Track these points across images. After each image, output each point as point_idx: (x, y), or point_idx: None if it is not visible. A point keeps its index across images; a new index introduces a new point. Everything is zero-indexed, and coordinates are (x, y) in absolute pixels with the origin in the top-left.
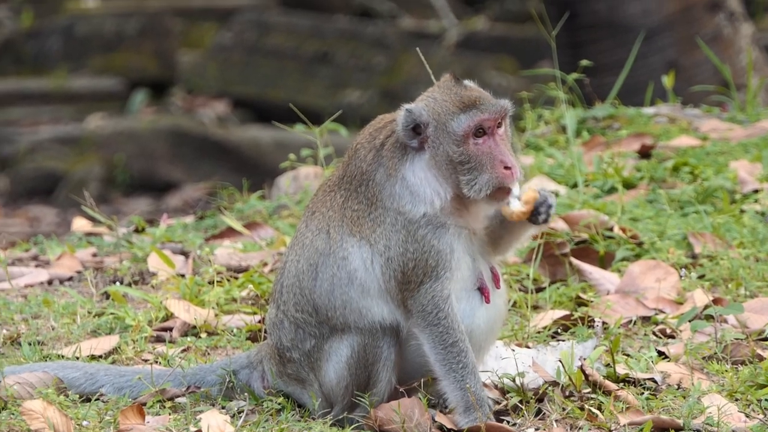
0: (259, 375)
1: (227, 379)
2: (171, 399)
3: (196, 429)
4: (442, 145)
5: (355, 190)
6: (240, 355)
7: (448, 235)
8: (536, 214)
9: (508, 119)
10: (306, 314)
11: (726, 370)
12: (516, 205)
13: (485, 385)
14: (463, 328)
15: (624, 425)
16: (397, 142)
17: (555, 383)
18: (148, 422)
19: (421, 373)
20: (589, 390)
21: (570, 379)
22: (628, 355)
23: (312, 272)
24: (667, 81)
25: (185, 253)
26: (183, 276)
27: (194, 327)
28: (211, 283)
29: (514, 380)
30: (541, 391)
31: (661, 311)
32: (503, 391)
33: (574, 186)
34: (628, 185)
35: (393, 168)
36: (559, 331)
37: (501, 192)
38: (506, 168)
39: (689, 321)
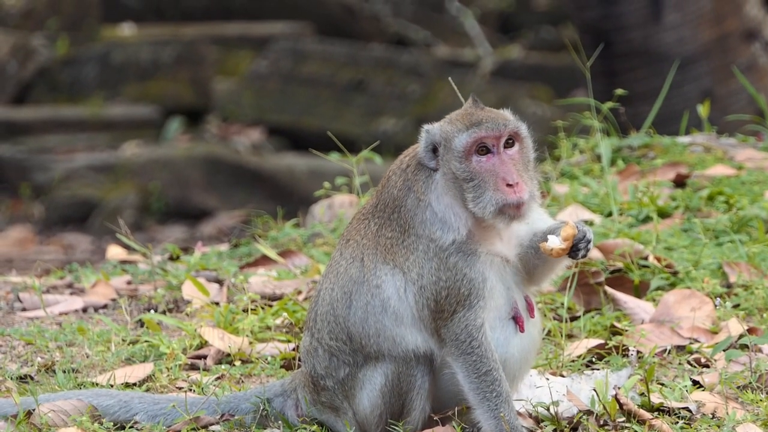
0: (293, 403)
1: (261, 407)
2: (205, 427)
3: None
4: (449, 163)
5: (389, 218)
6: (274, 383)
7: (480, 263)
8: (576, 249)
9: (526, 141)
10: (340, 342)
11: (761, 400)
12: (555, 242)
13: (519, 413)
14: (497, 356)
15: None
16: (419, 163)
17: (589, 412)
18: None
19: (456, 401)
20: (623, 419)
21: (604, 408)
22: (662, 384)
23: (346, 300)
24: (702, 110)
25: (220, 281)
26: (217, 304)
27: (228, 355)
28: (245, 311)
29: (548, 409)
30: (575, 420)
31: (696, 340)
32: (537, 420)
33: (609, 215)
34: (663, 214)
35: (422, 193)
36: (593, 360)
37: (510, 208)
38: (508, 185)
39: (724, 350)
